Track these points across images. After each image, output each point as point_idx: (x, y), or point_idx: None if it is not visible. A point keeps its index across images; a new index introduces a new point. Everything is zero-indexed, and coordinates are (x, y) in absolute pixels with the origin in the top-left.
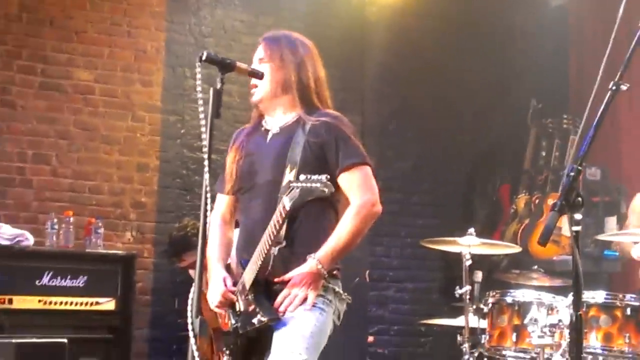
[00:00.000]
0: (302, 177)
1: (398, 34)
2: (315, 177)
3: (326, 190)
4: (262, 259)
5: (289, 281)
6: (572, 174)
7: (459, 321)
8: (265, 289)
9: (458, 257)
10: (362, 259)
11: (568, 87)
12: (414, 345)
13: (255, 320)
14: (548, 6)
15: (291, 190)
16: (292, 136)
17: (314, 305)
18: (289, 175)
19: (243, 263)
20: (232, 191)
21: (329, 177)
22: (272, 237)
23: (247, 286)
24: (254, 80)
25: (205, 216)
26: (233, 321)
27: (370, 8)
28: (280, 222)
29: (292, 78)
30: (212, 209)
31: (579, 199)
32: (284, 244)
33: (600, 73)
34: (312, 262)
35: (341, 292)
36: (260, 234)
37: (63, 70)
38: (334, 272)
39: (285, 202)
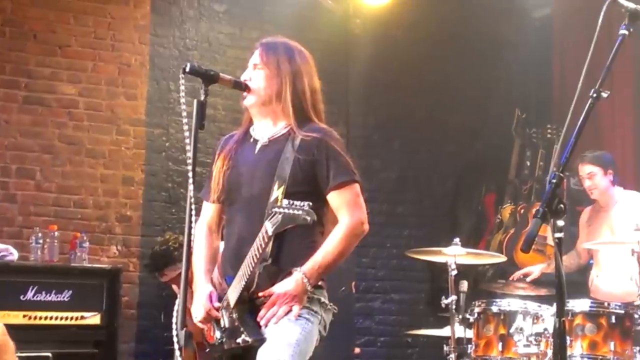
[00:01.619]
0: (285, 202)
1: (382, 46)
2: (298, 203)
3: (308, 218)
4: (246, 279)
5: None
6: (554, 180)
7: (445, 331)
8: (250, 306)
9: (443, 267)
10: (348, 270)
11: (552, 97)
12: (401, 356)
13: (239, 340)
14: (531, 17)
15: (273, 215)
16: (282, 151)
17: (299, 316)
18: (276, 192)
19: (227, 280)
20: (218, 200)
21: (311, 204)
22: (255, 260)
23: (232, 304)
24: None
25: (190, 229)
26: (218, 335)
27: (353, 20)
28: (263, 246)
29: (287, 87)
30: (197, 221)
31: (562, 205)
32: (269, 261)
33: (580, 81)
34: (298, 276)
35: (327, 302)
36: (245, 249)
37: (47, 84)
38: (319, 283)
39: (268, 228)
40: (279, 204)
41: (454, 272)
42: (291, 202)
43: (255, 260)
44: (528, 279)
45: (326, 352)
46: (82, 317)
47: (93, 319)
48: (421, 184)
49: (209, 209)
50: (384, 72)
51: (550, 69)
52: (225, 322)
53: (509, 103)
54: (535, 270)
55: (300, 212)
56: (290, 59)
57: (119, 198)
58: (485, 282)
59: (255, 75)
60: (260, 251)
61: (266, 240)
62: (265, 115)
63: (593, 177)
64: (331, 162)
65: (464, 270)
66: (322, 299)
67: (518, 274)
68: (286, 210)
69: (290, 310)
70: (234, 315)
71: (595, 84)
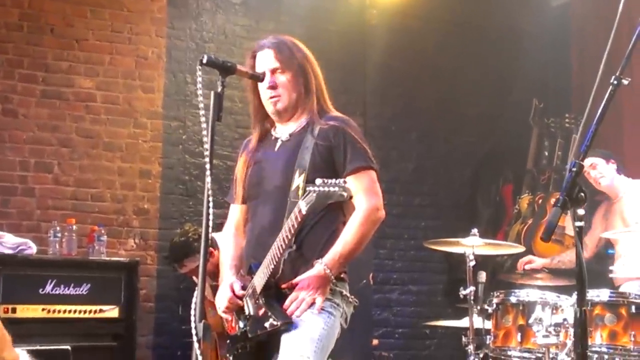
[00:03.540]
0: (318, 181)
1: (399, 36)
2: (332, 181)
3: (345, 194)
4: (274, 264)
5: (297, 285)
6: (574, 169)
7: (463, 322)
8: (276, 293)
9: (461, 258)
10: (366, 261)
11: (570, 86)
12: (419, 347)
13: (267, 324)
14: (549, 6)
15: (308, 194)
16: (301, 141)
17: (322, 309)
18: (298, 180)
19: (253, 267)
20: (243, 200)
21: (346, 181)
22: (286, 242)
23: (258, 290)
24: (273, 92)
25: (208, 220)
26: (242, 325)
27: (370, 11)
28: (296, 226)
29: (312, 85)
30: (213, 213)
31: (582, 194)
32: (293, 247)
33: (601, 68)
34: (320, 267)
35: (348, 295)
36: (269, 239)
37: (64, 78)
38: (342, 275)
39: (302, 206)
40: (300, 190)
41: (472, 263)
42: (325, 180)
43: (286, 242)
44: (527, 267)
45: (344, 343)
46: (100, 311)
47: (111, 312)
48: (438, 175)
49: (235, 211)
50: (400, 62)
51: (569, 57)
52: (250, 309)
53: (527, 92)
54: (538, 261)
55: (336, 188)
56: (304, 57)
57: (136, 191)
58: (503, 272)
59: (279, 80)
60: (292, 232)
61: (299, 219)
62: (291, 116)
63: (596, 166)
64: (348, 148)
65: (482, 261)
66: (344, 292)
67: (524, 262)
68: (320, 188)
69: (313, 302)
70: (261, 301)
71: (615, 71)
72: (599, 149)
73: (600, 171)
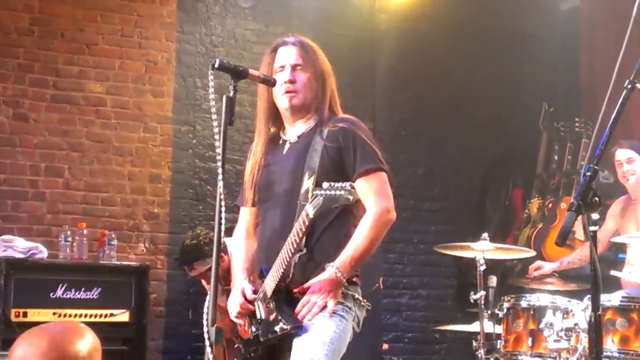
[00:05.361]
0: (325, 184)
1: (408, 40)
2: (339, 184)
3: (351, 198)
4: (284, 267)
5: (308, 289)
6: (588, 173)
7: (473, 327)
8: (286, 296)
9: (471, 263)
10: (375, 266)
11: (580, 90)
12: (429, 352)
13: (277, 329)
14: (559, 10)
15: (314, 198)
16: (310, 143)
17: (334, 313)
18: (307, 182)
19: (264, 271)
20: (253, 203)
21: (352, 184)
22: (295, 245)
23: (269, 294)
24: (290, 86)
25: (220, 224)
26: (254, 329)
27: (379, 15)
28: (303, 229)
29: (327, 92)
30: (225, 217)
31: (596, 198)
32: (304, 251)
33: (615, 72)
34: (331, 270)
35: (360, 298)
36: (279, 242)
37: (75, 82)
38: (354, 279)
39: (309, 210)
40: (310, 193)
41: (483, 268)
42: (332, 184)
43: (295, 246)
44: (535, 273)
45: (354, 348)
46: (111, 315)
47: (122, 316)
48: (448, 179)
49: (245, 214)
50: (410, 66)
51: (578, 61)
52: (261, 313)
53: (536, 97)
54: (547, 267)
55: (342, 192)
56: (323, 60)
57: (146, 195)
58: (513, 277)
59: (299, 77)
60: (300, 235)
61: (307, 223)
62: (303, 115)
63: (632, 162)
64: (358, 149)
65: (492, 266)
66: (356, 296)
67: (533, 269)
68: (327, 192)
69: (325, 306)
70: (271, 305)
71: (627, 74)
72: (638, 143)
73: (635, 168)
